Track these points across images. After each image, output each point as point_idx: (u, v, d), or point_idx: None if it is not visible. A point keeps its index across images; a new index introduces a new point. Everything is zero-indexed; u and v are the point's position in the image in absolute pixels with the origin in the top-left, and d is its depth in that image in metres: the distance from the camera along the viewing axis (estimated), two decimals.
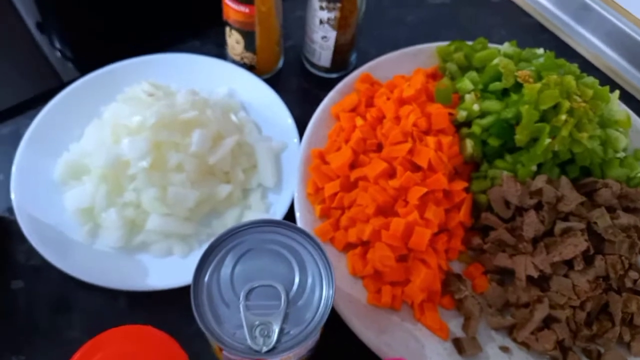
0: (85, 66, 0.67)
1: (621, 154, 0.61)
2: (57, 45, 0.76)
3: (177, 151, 0.55)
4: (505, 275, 0.55)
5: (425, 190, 0.53)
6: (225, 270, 0.43)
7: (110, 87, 0.64)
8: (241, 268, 0.43)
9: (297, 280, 0.43)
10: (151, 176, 0.54)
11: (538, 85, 0.56)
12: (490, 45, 0.68)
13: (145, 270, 0.54)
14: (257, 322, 0.41)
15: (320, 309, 0.42)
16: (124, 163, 0.55)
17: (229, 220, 0.57)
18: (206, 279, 0.43)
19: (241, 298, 0.42)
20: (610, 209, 0.56)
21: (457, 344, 0.51)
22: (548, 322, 0.52)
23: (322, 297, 0.42)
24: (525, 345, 0.51)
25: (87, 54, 0.76)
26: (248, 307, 0.41)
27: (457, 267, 0.57)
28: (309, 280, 0.43)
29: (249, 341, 0.40)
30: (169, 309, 0.53)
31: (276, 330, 0.41)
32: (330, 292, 0.42)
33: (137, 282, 0.53)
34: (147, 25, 0.76)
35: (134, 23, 0.76)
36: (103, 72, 0.65)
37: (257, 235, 0.45)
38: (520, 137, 0.55)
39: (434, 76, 0.67)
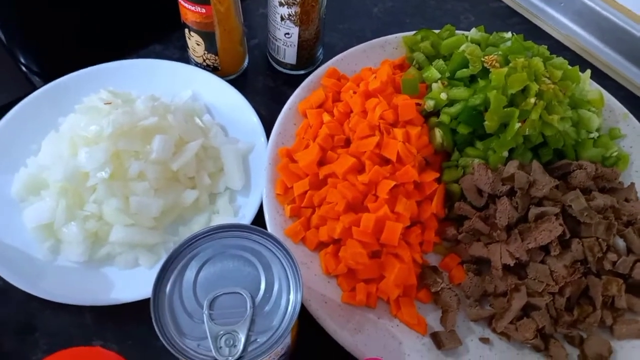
0: (52, 79, 0.65)
1: (595, 134, 0.60)
2: (21, 59, 0.74)
3: (138, 159, 0.53)
4: (482, 265, 0.54)
5: (393, 183, 0.51)
6: (188, 279, 0.41)
7: (69, 98, 0.62)
8: (204, 276, 0.42)
9: (263, 285, 0.41)
10: (112, 186, 0.52)
11: (505, 69, 0.55)
12: (458, 32, 0.67)
13: (110, 283, 0.52)
14: (222, 332, 0.39)
15: (287, 314, 0.40)
16: (83, 175, 0.53)
17: (196, 227, 0.56)
18: (167, 289, 0.41)
19: (204, 307, 0.40)
20: (586, 191, 0.55)
21: (436, 338, 0.50)
22: (528, 311, 0.51)
23: (289, 301, 0.41)
24: (505, 335, 0.50)
25: (51, 65, 0.74)
26: (212, 317, 0.40)
27: (433, 259, 0.55)
28: (276, 285, 0.41)
29: (213, 352, 0.38)
30: (138, 322, 0.52)
31: (242, 338, 0.39)
32: (298, 295, 0.41)
33: (103, 297, 0.51)
34: (109, 32, 0.74)
35: (96, 31, 0.74)
36: (60, 83, 0.64)
37: (220, 241, 0.43)
38: (489, 123, 0.54)
39: (401, 67, 0.66)
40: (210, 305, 0.40)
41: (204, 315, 0.40)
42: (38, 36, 0.73)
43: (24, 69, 0.74)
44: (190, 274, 0.41)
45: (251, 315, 0.40)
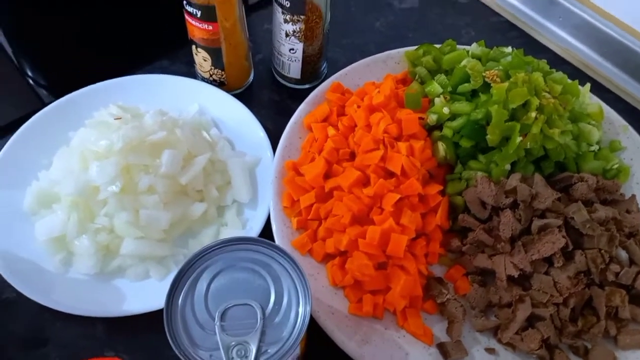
0: (59, 92, 0.66)
1: (595, 147, 0.61)
2: (29, 73, 0.76)
3: (147, 173, 0.54)
4: (486, 276, 0.55)
5: (398, 196, 0.52)
6: (199, 291, 0.42)
7: (79, 113, 0.63)
8: (215, 288, 0.42)
9: (272, 297, 0.42)
10: (122, 200, 0.53)
11: (506, 84, 0.56)
12: (459, 46, 0.68)
13: (122, 295, 0.53)
14: (233, 343, 0.40)
15: (297, 326, 0.41)
16: (94, 189, 0.54)
17: (205, 239, 0.56)
18: (179, 301, 0.42)
19: (216, 319, 0.41)
20: (588, 203, 0.56)
21: (442, 348, 0.50)
22: (532, 321, 0.51)
23: (298, 313, 0.41)
24: (510, 345, 0.51)
25: (59, 80, 0.75)
26: (224, 328, 0.40)
27: (438, 271, 0.56)
28: (285, 297, 0.42)
29: None
30: (149, 333, 0.52)
31: (253, 349, 0.40)
32: (307, 307, 0.41)
33: (114, 308, 0.52)
34: (117, 47, 0.75)
35: (104, 47, 0.75)
36: (70, 98, 0.65)
37: (230, 254, 0.44)
38: (491, 137, 0.55)
39: (404, 81, 0.67)
40: (222, 317, 0.41)
41: (216, 326, 0.40)
42: (46, 50, 0.75)
43: (31, 82, 0.75)
44: (201, 286, 0.42)
45: (262, 327, 0.40)
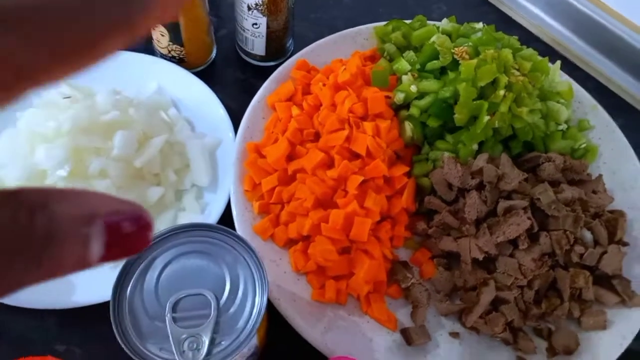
0: None
1: (564, 126, 0.60)
2: None
3: (99, 156, 0.51)
4: (452, 259, 0.54)
5: (362, 178, 0.51)
6: (149, 281, 0.40)
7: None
8: (167, 278, 0.40)
9: (227, 286, 0.40)
10: (72, 185, 0.50)
11: (474, 61, 0.54)
12: (430, 22, 0.66)
13: (72, 285, 0.51)
14: (184, 335, 0.38)
15: (253, 316, 0.39)
16: (42, 173, 0.51)
17: (162, 225, 0.54)
18: (127, 293, 0.40)
19: (167, 310, 0.39)
20: (555, 183, 0.55)
21: (405, 334, 0.49)
22: (497, 304, 0.51)
23: (255, 302, 0.40)
24: (474, 329, 0.50)
25: None
26: (175, 320, 0.39)
27: (404, 254, 0.55)
28: (241, 286, 0.40)
29: (176, 356, 0.37)
30: (103, 324, 0.50)
31: (206, 341, 0.38)
32: (264, 296, 0.40)
33: (65, 299, 0.49)
34: None
35: None
36: None
37: (183, 240, 0.42)
38: (459, 116, 0.54)
39: (372, 58, 0.65)
40: (173, 308, 0.39)
41: (167, 318, 0.39)
42: None
43: None
44: (152, 275, 0.40)
45: (215, 318, 0.39)
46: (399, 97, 0.57)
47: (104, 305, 0.49)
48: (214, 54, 0.69)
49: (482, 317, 0.50)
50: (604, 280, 0.52)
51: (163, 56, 0.65)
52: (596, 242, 0.53)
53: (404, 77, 0.58)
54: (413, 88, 0.56)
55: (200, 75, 0.64)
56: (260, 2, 0.60)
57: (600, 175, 0.58)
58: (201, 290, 0.40)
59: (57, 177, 0.50)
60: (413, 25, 0.65)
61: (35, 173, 0.51)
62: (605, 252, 0.51)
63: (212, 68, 0.69)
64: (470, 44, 0.58)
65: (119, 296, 0.40)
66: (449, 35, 0.62)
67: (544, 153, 0.56)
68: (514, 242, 0.51)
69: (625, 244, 0.53)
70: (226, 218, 0.54)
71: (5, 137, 0.55)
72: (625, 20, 0.71)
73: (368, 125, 0.54)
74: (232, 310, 0.40)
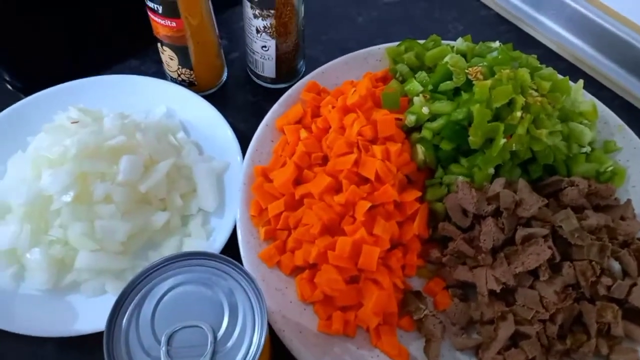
0: (26, 93, 0.63)
1: (587, 148, 0.57)
2: (6, 77, 0.72)
3: (104, 181, 0.51)
4: (468, 290, 0.51)
5: (369, 204, 0.48)
6: (145, 312, 0.39)
7: (40, 116, 0.60)
8: (163, 309, 0.39)
9: (226, 319, 0.39)
10: (76, 210, 0.50)
11: (489, 81, 0.52)
12: (445, 42, 0.64)
13: (75, 313, 0.50)
14: None
15: (251, 352, 0.37)
16: (47, 198, 0.50)
17: (167, 251, 0.53)
18: (123, 324, 0.38)
19: (162, 343, 0.37)
20: (579, 209, 0.51)
21: None
22: (517, 340, 0.47)
23: (253, 338, 0.38)
24: None
25: (30, 82, 0.72)
26: (169, 353, 0.37)
27: (416, 284, 0.52)
28: (240, 319, 0.39)
29: None
30: (102, 353, 0.49)
31: None
32: (264, 333, 0.38)
33: (67, 327, 0.48)
34: (86, 47, 0.72)
35: (72, 46, 0.72)
36: (30, 100, 0.62)
37: (182, 269, 0.41)
38: (473, 138, 0.51)
39: (384, 79, 0.63)
40: (169, 341, 0.37)
41: (161, 352, 0.37)
42: (11, 49, 0.72)
43: (9, 87, 0.72)
44: (148, 306, 0.39)
45: (212, 352, 0.37)
46: (411, 119, 0.55)
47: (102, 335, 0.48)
48: (224, 77, 0.69)
49: (500, 354, 0.46)
50: (635, 315, 0.48)
51: (173, 80, 0.65)
52: (625, 273, 0.49)
53: (416, 99, 0.56)
54: (425, 110, 0.54)
55: (211, 98, 0.64)
56: (269, 25, 0.59)
57: (629, 200, 0.54)
58: (198, 322, 0.38)
59: (62, 202, 0.50)
60: (426, 45, 0.64)
61: (41, 198, 0.50)
62: (635, 284, 0.48)
63: (223, 91, 0.69)
64: (485, 63, 0.56)
65: (113, 327, 0.38)
66: (464, 55, 0.60)
67: (566, 177, 0.53)
68: (534, 273, 0.48)
69: None
70: (232, 244, 0.52)
71: (13, 162, 0.55)
72: None
73: (377, 149, 0.52)
74: (229, 344, 0.38)
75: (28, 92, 0.64)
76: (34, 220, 0.51)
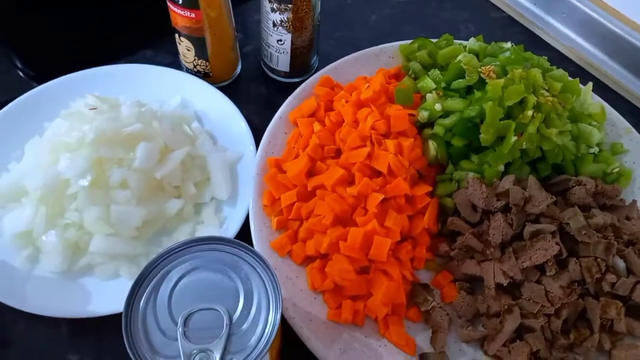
0: (43, 81, 0.63)
1: (595, 149, 0.58)
2: (18, 64, 0.73)
3: (120, 166, 0.52)
4: (475, 284, 0.52)
5: (382, 196, 0.49)
6: (162, 294, 0.40)
7: (56, 103, 0.61)
8: (180, 291, 0.40)
9: (241, 302, 0.39)
10: (92, 195, 0.51)
11: (502, 80, 0.53)
12: (457, 41, 0.65)
13: (89, 295, 0.51)
14: (195, 351, 0.37)
15: (266, 334, 0.38)
16: (64, 182, 0.51)
17: (180, 237, 0.54)
18: (140, 305, 0.39)
19: (179, 324, 0.38)
20: (586, 208, 0.52)
21: (425, 359, 0.47)
22: (522, 332, 0.48)
23: (268, 320, 0.39)
24: (497, 358, 0.48)
25: (45, 70, 0.73)
26: (186, 334, 0.38)
27: (424, 277, 0.53)
28: (255, 302, 0.39)
29: None
30: (117, 336, 0.49)
31: (217, 358, 0.37)
32: (278, 314, 0.39)
33: (81, 309, 0.49)
34: (102, 36, 0.73)
35: (89, 35, 0.73)
36: (47, 87, 0.62)
37: (198, 254, 0.41)
38: (485, 136, 0.52)
39: (397, 76, 0.64)
40: (185, 322, 0.38)
41: (178, 332, 0.38)
42: (29, 38, 0.72)
43: (21, 74, 0.73)
44: (165, 288, 0.40)
45: (227, 334, 0.38)
46: (423, 115, 0.56)
47: (118, 317, 0.48)
48: (238, 70, 0.70)
49: (505, 346, 0.47)
50: (637, 312, 0.49)
51: (189, 70, 0.66)
52: (629, 271, 0.50)
53: (429, 95, 0.57)
54: (438, 106, 0.55)
55: (224, 89, 0.64)
56: (286, 19, 0.60)
57: (634, 201, 0.55)
58: (214, 305, 0.39)
59: (79, 187, 0.51)
60: (439, 44, 0.65)
61: (58, 182, 0.51)
62: (638, 282, 0.49)
63: (236, 83, 0.70)
64: (497, 63, 0.57)
65: (131, 308, 0.39)
66: (476, 54, 0.61)
67: (574, 176, 0.54)
68: (541, 268, 0.49)
69: None
70: (244, 232, 0.53)
71: (30, 146, 0.56)
72: None
73: (390, 143, 0.53)
74: (244, 327, 0.38)
75: (40, 80, 0.65)
76: (49, 203, 0.52)
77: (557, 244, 0.47)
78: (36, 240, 0.52)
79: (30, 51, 0.72)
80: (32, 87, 0.63)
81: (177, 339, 0.37)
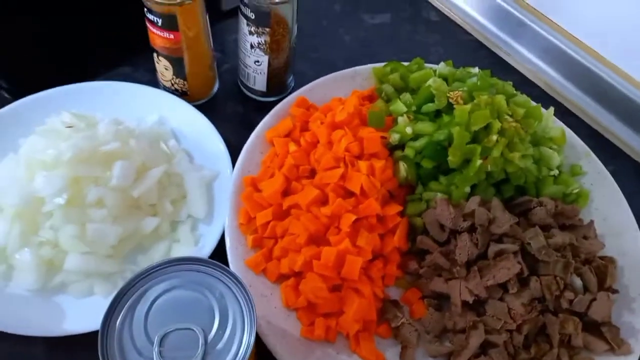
0: (19, 98, 0.64)
1: (555, 171, 0.61)
2: None
3: (97, 185, 0.52)
4: (443, 300, 0.54)
5: (355, 217, 0.51)
6: (139, 314, 0.40)
7: (31, 119, 0.60)
8: (157, 311, 0.41)
9: (216, 321, 0.40)
10: (68, 213, 0.51)
11: (468, 106, 0.56)
12: (428, 65, 0.68)
13: (63, 313, 0.51)
14: None
15: (240, 354, 0.39)
16: (39, 200, 0.51)
17: (155, 256, 0.54)
18: (117, 324, 0.40)
19: (155, 344, 0.39)
20: (546, 228, 0.55)
21: None
22: (486, 348, 0.51)
23: (242, 341, 0.40)
24: None
25: (21, 85, 0.72)
26: (162, 354, 0.39)
27: (394, 293, 0.55)
28: (230, 322, 0.40)
29: None
30: (90, 354, 0.50)
31: None
32: (252, 335, 0.40)
33: (55, 327, 0.49)
34: (78, 52, 0.73)
35: (67, 51, 0.73)
36: (23, 103, 0.62)
37: (175, 274, 0.42)
38: (452, 158, 0.55)
39: (370, 98, 0.66)
40: (161, 342, 0.39)
41: (154, 352, 0.38)
42: (5, 53, 0.72)
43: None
44: (142, 308, 0.40)
45: (202, 354, 0.39)
46: (395, 137, 0.58)
47: (93, 335, 0.49)
48: (216, 88, 0.71)
49: None
50: (593, 327, 0.52)
51: (166, 89, 0.67)
52: (586, 289, 0.53)
53: (400, 119, 0.59)
54: (408, 129, 0.58)
55: (201, 108, 0.65)
56: (263, 42, 0.62)
57: (591, 221, 0.58)
58: (190, 324, 0.40)
59: (55, 205, 0.51)
60: (411, 68, 0.67)
61: (33, 200, 0.51)
62: (594, 299, 0.52)
63: (213, 101, 0.71)
64: (465, 88, 0.60)
65: (108, 327, 0.40)
66: (445, 78, 0.63)
67: (535, 197, 0.57)
68: (504, 286, 0.51)
69: (614, 292, 0.54)
70: (220, 250, 0.54)
71: (5, 163, 0.56)
72: (618, 70, 0.73)
73: (363, 165, 0.55)
74: (219, 346, 0.39)
75: (16, 96, 0.65)
76: (24, 220, 0.52)
77: (519, 262, 0.50)
78: (9, 257, 0.52)
79: (6, 67, 0.72)
80: (8, 103, 0.63)
81: (152, 359, 0.38)
